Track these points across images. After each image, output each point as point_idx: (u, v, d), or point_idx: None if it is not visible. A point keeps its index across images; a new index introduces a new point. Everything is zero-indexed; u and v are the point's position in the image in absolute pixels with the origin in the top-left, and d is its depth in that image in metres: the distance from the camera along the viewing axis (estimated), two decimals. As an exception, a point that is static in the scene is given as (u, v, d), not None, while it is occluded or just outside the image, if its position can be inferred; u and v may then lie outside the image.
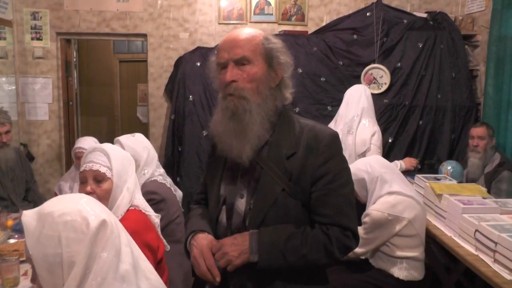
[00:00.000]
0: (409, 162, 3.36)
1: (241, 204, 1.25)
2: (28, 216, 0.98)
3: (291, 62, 1.28)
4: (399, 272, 2.19)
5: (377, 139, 3.06)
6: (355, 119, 3.10)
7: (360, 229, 2.18)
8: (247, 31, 1.25)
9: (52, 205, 0.98)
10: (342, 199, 1.23)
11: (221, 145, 1.25)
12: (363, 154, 3.02)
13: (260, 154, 1.23)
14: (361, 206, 2.38)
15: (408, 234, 2.18)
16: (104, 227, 0.96)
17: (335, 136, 1.26)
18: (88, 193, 1.57)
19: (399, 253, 2.19)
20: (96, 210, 0.99)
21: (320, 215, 1.23)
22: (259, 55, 1.22)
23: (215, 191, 1.31)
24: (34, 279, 1.00)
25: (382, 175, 2.28)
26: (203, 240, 1.25)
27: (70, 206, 0.97)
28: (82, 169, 1.61)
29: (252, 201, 1.22)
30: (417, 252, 2.21)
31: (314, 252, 1.20)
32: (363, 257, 2.28)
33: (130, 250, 1.02)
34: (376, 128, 3.11)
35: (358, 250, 2.20)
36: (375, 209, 2.20)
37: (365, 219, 2.23)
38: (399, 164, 3.30)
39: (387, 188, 2.23)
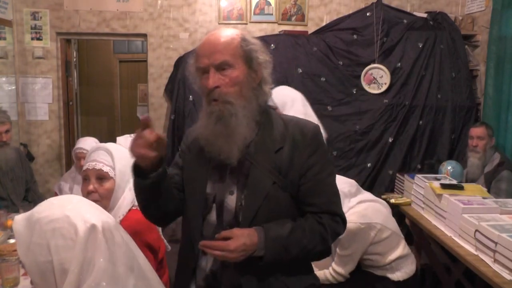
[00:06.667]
0: None
1: (231, 200, 1.27)
2: (18, 223, 0.97)
3: (270, 60, 1.31)
4: (394, 275, 2.19)
5: None
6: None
7: (337, 249, 2.16)
8: (224, 34, 1.25)
9: (41, 211, 0.97)
10: (329, 188, 1.32)
11: (209, 148, 1.27)
12: None
13: (248, 150, 1.26)
14: None
15: (385, 237, 2.17)
16: (94, 232, 0.95)
17: (318, 129, 1.32)
18: (90, 192, 1.58)
19: (385, 259, 2.18)
20: (85, 214, 0.96)
21: (311, 205, 1.29)
22: (239, 58, 1.23)
23: (200, 190, 1.31)
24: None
25: (342, 191, 2.23)
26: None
27: (58, 212, 0.95)
28: (85, 167, 1.61)
29: (243, 196, 1.25)
30: (400, 249, 2.21)
31: (312, 242, 1.26)
32: (348, 277, 2.20)
33: (126, 250, 1.00)
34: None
35: (341, 270, 2.17)
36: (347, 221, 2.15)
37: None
38: None
39: (347, 204, 2.18)
